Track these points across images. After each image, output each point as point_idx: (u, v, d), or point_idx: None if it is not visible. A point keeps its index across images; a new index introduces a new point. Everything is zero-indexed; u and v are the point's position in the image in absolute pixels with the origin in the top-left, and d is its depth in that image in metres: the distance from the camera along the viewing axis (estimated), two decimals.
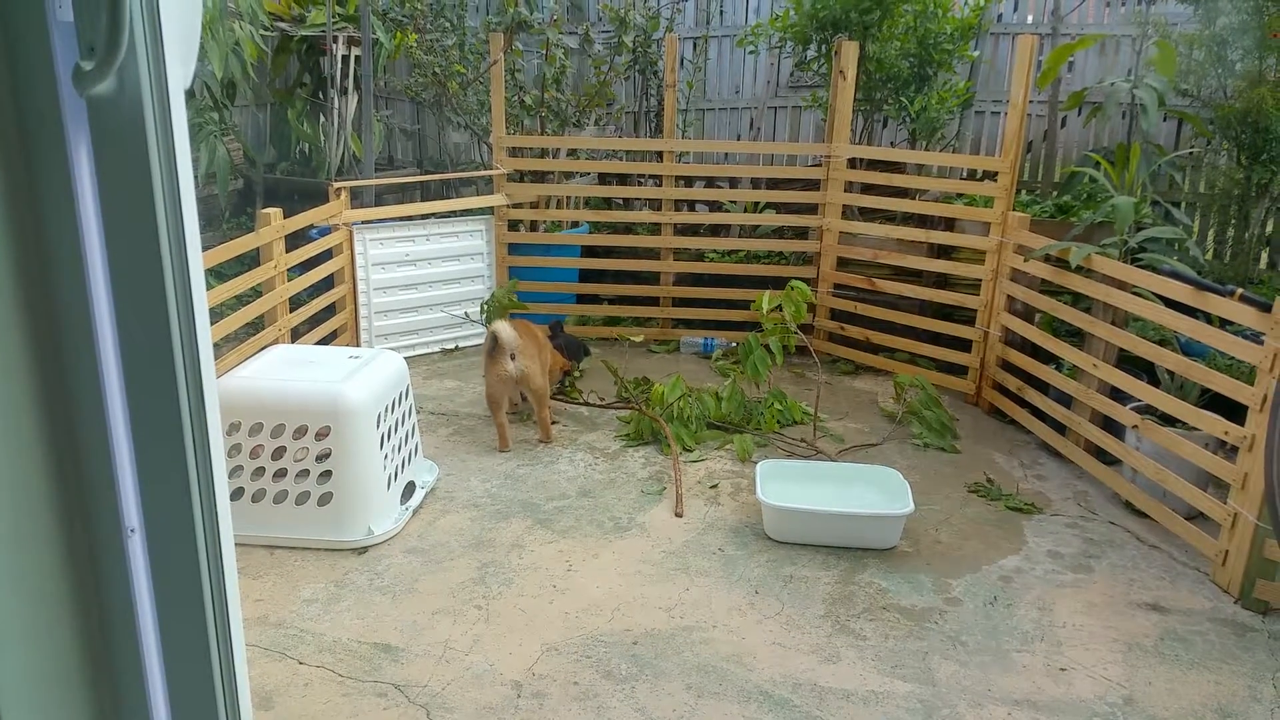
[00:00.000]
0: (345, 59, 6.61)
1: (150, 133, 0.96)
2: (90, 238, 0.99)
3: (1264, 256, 6.58)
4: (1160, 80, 5.35)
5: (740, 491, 3.97)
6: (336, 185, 5.09)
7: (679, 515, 3.77)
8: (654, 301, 5.96)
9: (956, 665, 2.87)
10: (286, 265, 4.46)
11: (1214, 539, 3.37)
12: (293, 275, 4.59)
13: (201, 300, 1.08)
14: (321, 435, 3.41)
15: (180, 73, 1.06)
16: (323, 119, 6.74)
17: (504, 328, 4.24)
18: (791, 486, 3.76)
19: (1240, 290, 3.34)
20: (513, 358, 4.23)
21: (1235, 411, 3.30)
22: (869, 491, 3.78)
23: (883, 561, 3.46)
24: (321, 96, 6.82)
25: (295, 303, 4.67)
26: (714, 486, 4.03)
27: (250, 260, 4.41)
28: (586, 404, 4.91)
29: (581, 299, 6.08)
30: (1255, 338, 3.28)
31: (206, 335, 1.08)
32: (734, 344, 5.55)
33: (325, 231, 5.08)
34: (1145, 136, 5.64)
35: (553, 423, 4.51)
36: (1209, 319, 3.54)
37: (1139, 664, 2.90)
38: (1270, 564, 3.17)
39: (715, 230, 6.17)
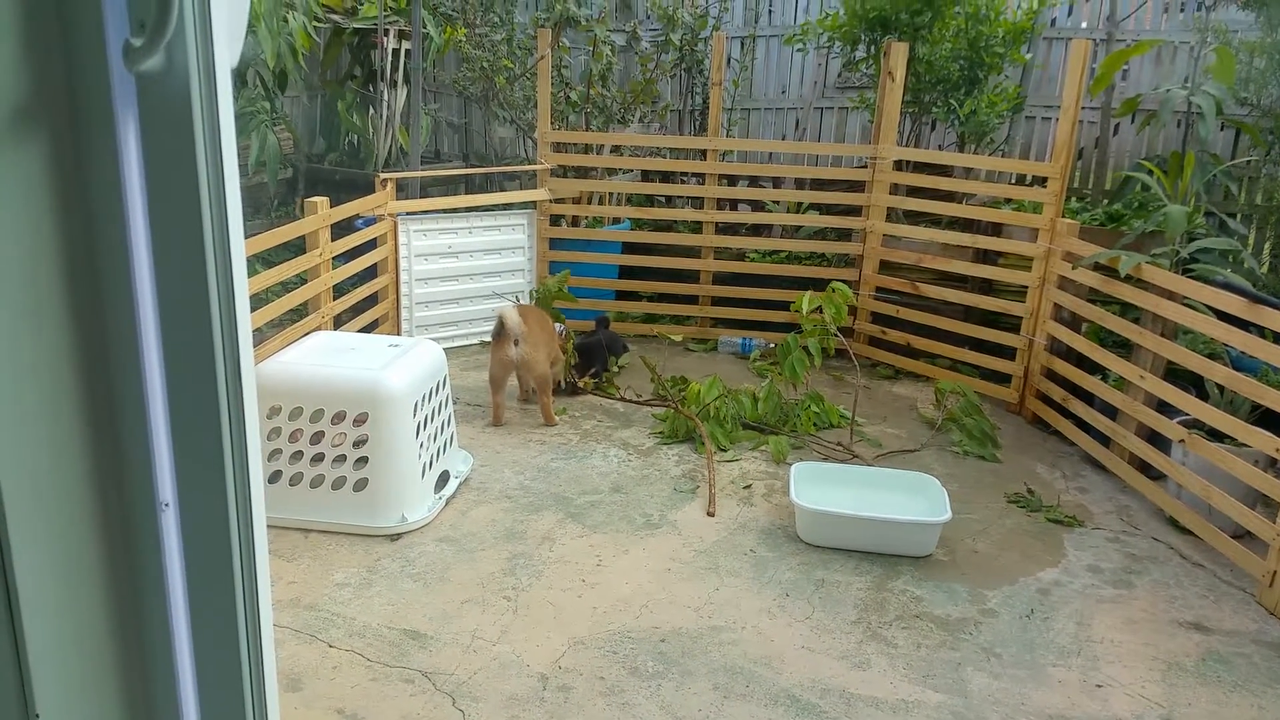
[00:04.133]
0: (395, 52, 6.68)
1: (196, 110, 0.97)
2: (135, 213, 1.00)
3: None
4: (1218, 88, 5.22)
5: (774, 493, 3.94)
6: (383, 176, 5.14)
7: (711, 514, 3.75)
8: (693, 300, 5.95)
9: (990, 677, 2.82)
10: (331, 254, 4.51)
11: (1261, 559, 3.28)
12: (337, 264, 4.64)
13: (242, 278, 1.09)
14: (359, 422, 3.44)
15: (227, 52, 1.07)
16: (372, 111, 6.82)
17: (510, 313, 4.39)
18: (826, 490, 3.72)
19: None
20: (516, 343, 4.38)
21: None
22: (905, 498, 3.74)
23: (917, 569, 3.41)
24: (371, 89, 6.90)
25: (338, 291, 4.72)
26: (747, 487, 4.00)
27: (296, 247, 4.47)
28: (623, 400, 4.91)
29: (621, 295, 6.08)
30: None
31: (246, 313, 1.09)
32: (772, 345, 5.51)
33: (370, 221, 5.13)
34: (1201, 145, 5.51)
35: (561, 411, 4.70)
36: (1262, 333, 3.45)
37: (1178, 684, 2.83)
38: None
39: (757, 230, 6.14)
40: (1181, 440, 3.70)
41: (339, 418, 3.46)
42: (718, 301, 5.92)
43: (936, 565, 3.45)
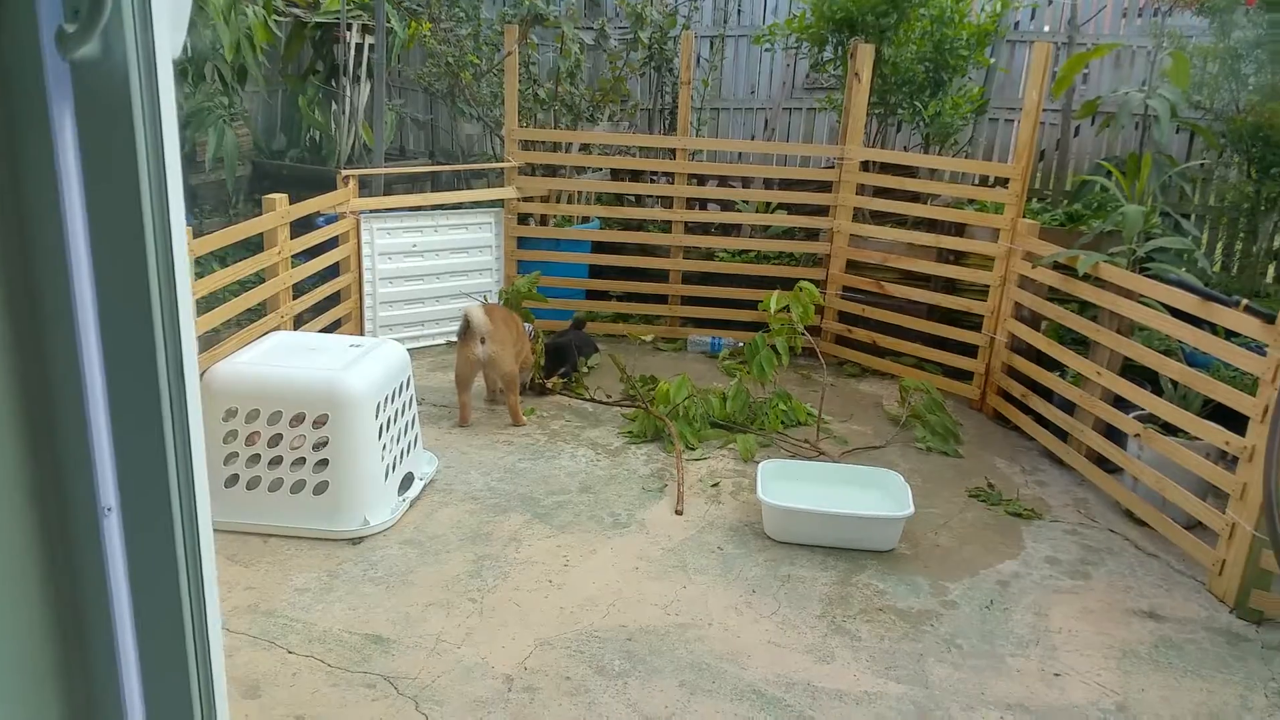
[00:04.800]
0: (359, 47, 6.61)
1: (136, 100, 0.95)
2: (72, 206, 0.98)
3: (1271, 270, 6.53)
4: (1174, 91, 5.31)
5: (742, 491, 3.95)
6: (345, 173, 5.09)
7: (679, 513, 3.75)
8: (662, 299, 5.95)
9: (950, 668, 2.85)
10: (290, 252, 4.46)
11: (1211, 548, 3.35)
12: (297, 262, 4.59)
13: (184, 275, 1.07)
14: (319, 423, 3.40)
15: (169, 39, 1.05)
16: (334, 107, 6.75)
17: (476, 312, 4.37)
18: (793, 487, 3.74)
19: (1245, 301, 3.31)
20: (482, 341, 4.35)
21: (1237, 422, 3.27)
22: (870, 493, 3.76)
23: (881, 563, 3.44)
24: (334, 84, 6.82)
25: (299, 290, 4.67)
26: (715, 485, 4.01)
27: (255, 245, 4.42)
28: (592, 400, 4.90)
29: (590, 295, 6.07)
30: (1259, 349, 3.25)
31: (189, 311, 1.07)
32: (741, 344, 5.53)
33: (332, 219, 5.08)
34: (1157, 147, 5.60)
35: (529, 412, 4.68)
36: (1214, 330, 3.51)
37: (1133, 671, 2.88)
38: (1266, 574, 3.16)
39: (726, 229, 6.15)
40: (1137, 434, 3.76)
41: (298, 420, 3.41)
42: (687, 301, 5.92)
43: (900, 559, 3.47)
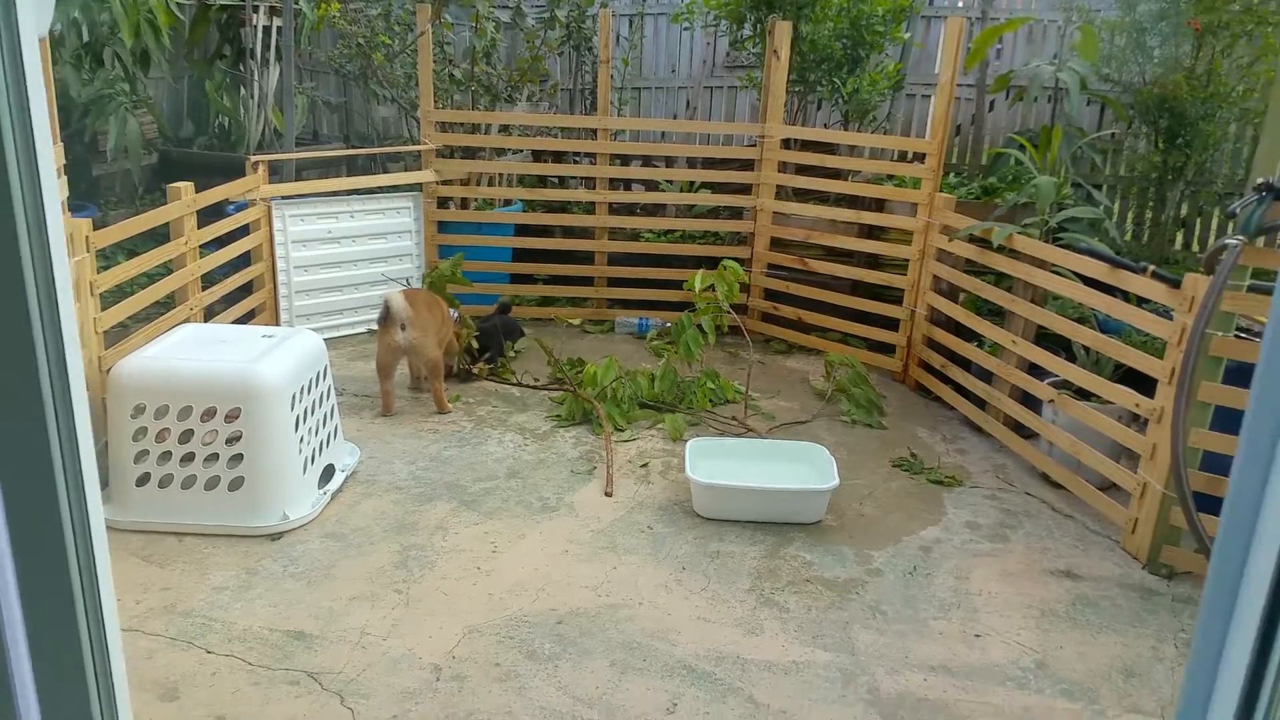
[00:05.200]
0: (266, 29, 6.40)
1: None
2: None
3: (1179, 237, 6.78)
4: (1083, 65, 5.45)
5: (671, 470, 3.96)
6: (254, 159, 4.93)
7: (609, 495, 3.74)
8: (589, 281, 5.91)
9: (875, 634, 2.90)
10: (199, 241, 4.31)
11: (1124, 508, 3.47)
12: (206, 252, 4.44)
13: (63, 266, 1.02)
14: (232, 417, 3.30)
15: (34, 17, 0.99)
16: (243, 92, 6.53)
17: (396, 297, 4.28)
18: (721, 464, 3.76)
19: (1152, 268, 3.42)
20: (403, 328, 4.27)
21: (1148, 385, 3.38)
22: (797, 467, 3.80)
23: (808, 535, 3.48)
24: (242, 68, 6.60)
25: (210, 281, 4.52)
26: (645, 465, 4.01)
27: (163, 237, 4.26)
28: (519, 385, 4.86)
29: (515, 279, 6.00)
30: (1166, 314, 3.36)
31: (68, 302, 1.02)
32: (669, 324, 5.53)
33: (243, 207, 4.92)
34: (1068, 119, 5.75)
35: (455, 398, 4.62)
36: (1126, 297, 3.62)
37: (1051, 629, 2.97)
38: (1175, 530, 3.28)
39: (651, 210, 6.14)
40: (1051, 400, 3.86)
41: (209, 414, 3.30)
42: (613, 282, 5.90)
43: (826, 530, 3.52)
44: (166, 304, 4.28)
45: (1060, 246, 3.92)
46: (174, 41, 6.11)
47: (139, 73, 5.83)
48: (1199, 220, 6.86)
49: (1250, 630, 0.72)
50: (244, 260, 4.89)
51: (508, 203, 6.14)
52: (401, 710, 2.52)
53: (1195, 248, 6.82)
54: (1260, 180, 3.06)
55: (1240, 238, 2.98)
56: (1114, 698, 2.67)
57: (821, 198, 5.64)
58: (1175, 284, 3.26)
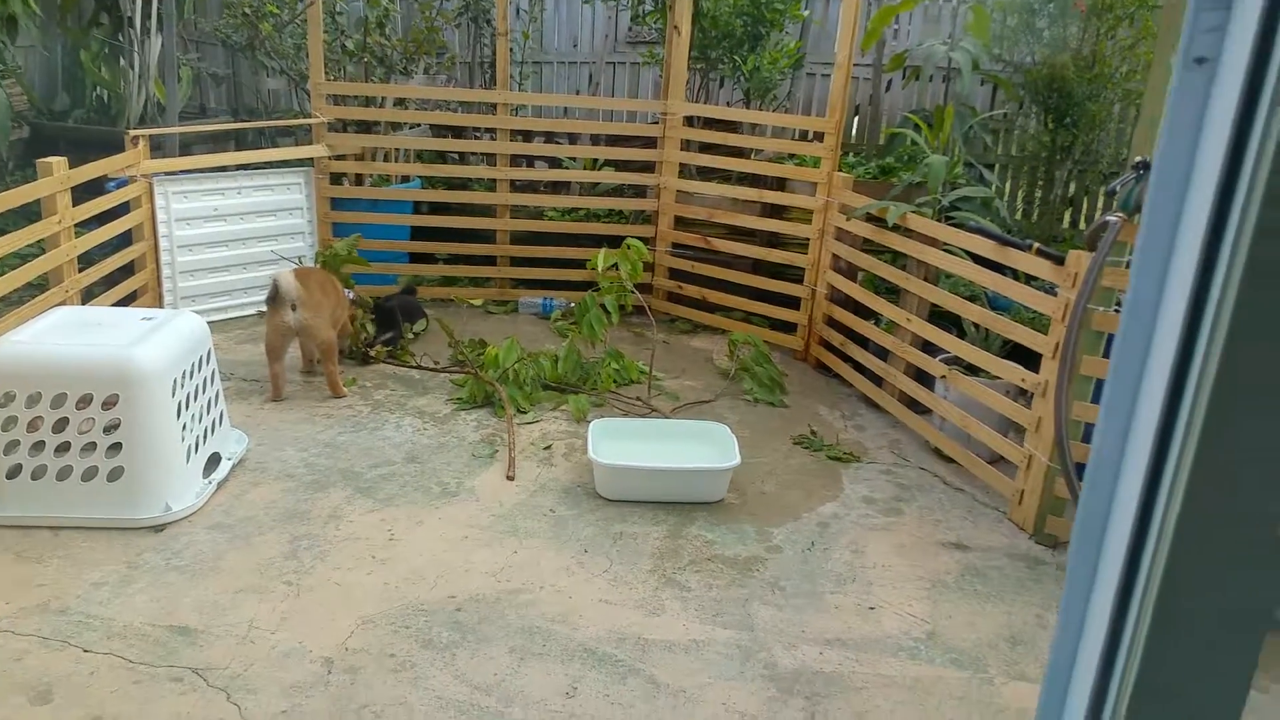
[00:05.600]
0: None
1: None
2: None
3: (1067, 215, 7.03)
4: (975, 44, 5.57)
5: (574, 452, 3.93)
6: (133, 133, 4.68)
7: (510, 478, 3.69)
8: (491, 261, 5.81)
9: (774, 610, 2.94)
10: (74, 220, 4.07)
11: (1011, 480, 3.58)
12: (83, 231, 4.20)
13: None
14: (109, 405, 3.13)
15: None
16: (122, 62, 6.19)
17: (285, 276, 4.13)
18: (624, 445, 3.75)
19: (1037, 245, 3.52)
20: (293, 308, 4.12)
21: (1035, 361, 3.49)
22: (700, 447, 3.81)
23: (710, 514, 3.50)
24: (120, 38, 6.25)
25: (87, 261, 4.28)
26: (548, 448, 3.97)
27: (36, 215, 4.01)
28: (419, 367, 4.75)
29: (415, 258, 5.86)
30: (1051, 290, 3.47)
31: None
32: (573, 304, 5.48)
33: (123, 183, 4.67)
34: (960, 99, 5.87)
35: (351, 382, 4.50)
36: (1015, 274, 3.73)
37: (941, 600, 3.05)
38: (1060, 501, 3.40)
39: (555, 188, 6.06)
40: (943, 376, 3.97)
41: (85, 401, 3.13)
42: (517, 262, 5.81)
43: (728, 509, 3.55)
44: (40, 286, 4.04)
45: (952, 225, 4.01)
46: (44, 7, 5.75)
47: (6, 40, 5.46)
48: (1086, 198, 7.12)
49: (1110, 590, 0.73)
50: (124, 240, 4.65)
51: (405, 179, 5.98)
52: (291, 705, 2.44)
53: (1082, 225, 7.08)
54: (1138, 159, 3.18)
55: (1120, 215, 3.09)
56: (1001, 665, 2.76)
57: (724, 176, 5.65)
58: (1059, 261, 3.36)
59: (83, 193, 4.16)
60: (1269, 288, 0.57)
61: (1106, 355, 3.27)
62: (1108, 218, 3.11)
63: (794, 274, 5.16)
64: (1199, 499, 0.64)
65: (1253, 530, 0.65)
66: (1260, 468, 0.63)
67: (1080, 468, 3.13)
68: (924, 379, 4.17)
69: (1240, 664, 0.70)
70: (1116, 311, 3.31)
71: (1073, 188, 6.96)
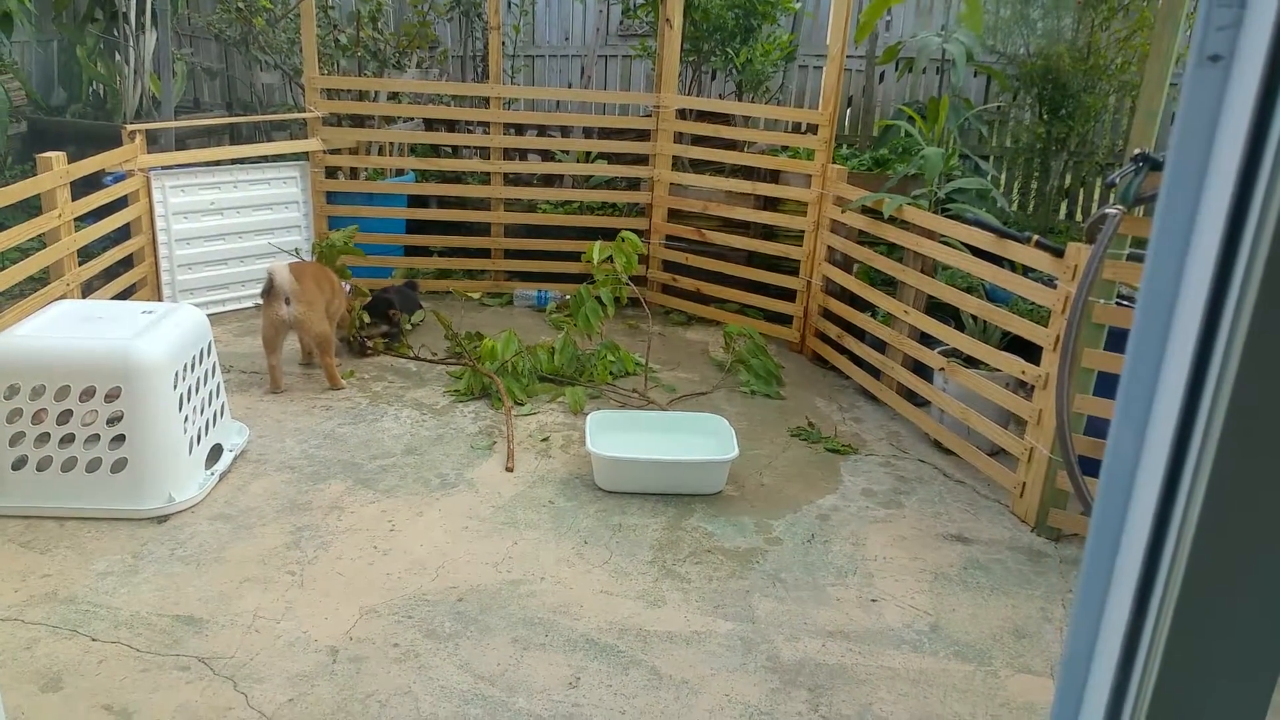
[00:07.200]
0: None
1: None
2: None
3: (1063, 207, 7.05)
4: (969, 36, 5.59)
5: (572, 444, 3.95)
6: (130, 128, 4.67)
7: (509, 470, 3.71)
8: (485, 254, 5.81)
9: (775, 602, 2.96)
10: (73, 214, 4.07)
11: (1012, 472, 3.60)
12: (82, 225, 4.20)
13: None
14: (112, 397, 3.14)
15: None
16: (118, 58, 6.17)
17: (279, 269, 4.15)
18: (622, 436, 3.77)
19: (1036, 237, 3.54)
20: (287, 302, 4.14)
21: (1034, 353, 3.50)
22: (697, 439, 3.83)
23: (709, 506, 3.52)
24: (116, 33, 6.23)
25: (87, 255, 4.28)
26: (545, 439, 3.99)
27: (36, 209, 4.02)
28: (416, 359, 4.76)
29: (410, 251, 5.86)
30: (1050, 282, 3.49)
31: None
32: (568, 296, 5.50)
33: (121, 178, 4.67)
34: (955, 91, 5.89)
35: (349, 374, 4.51)
36: (1013, 266, 3.75)
37: (944, 592, 3.07)
38: (1062, 494, 3.41)
39: (548, 180, 6.06)
40: (941, 368, 3.99)
41: (88, 394, 3.14)
42: (511, 254, 5.82)
43: (727, 501, 3.57)
44: (40, 279, 4.06)
45: (949, 217, 4.03)
46: (39, 4, 5.72)
47: (2, 36, 5.43)
48: (1082, 190, 7.14)
49: (1129, 587, 0.74)
50: (123, 234, 4.65)
51: (400, 173, 5.98)
52: (297, 694, 2.46)
53: (1079, 217, 7.10)
54: (1137, 151, 3.18)
55: (1119, 207, 3.10)
56: (1005, 658, 2.77)
57: (718, 169, 5.66)
58: (1059, 253, 3.38)
59: (81, 187, 4.17)
60: None
61: (1107, 348, 3.29)
62: (1107, 210, 3.12)
63: (789, 266, 5.18)
64: (1219, 498, 0.65)
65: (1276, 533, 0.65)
66: None
67: (1082, 461, 3.15)
68: (922, 371, 4.19)
69: (1264, 670, 0.71)
70: (1118, 304, 3.33)
71: (1068, 179, 6.98)
